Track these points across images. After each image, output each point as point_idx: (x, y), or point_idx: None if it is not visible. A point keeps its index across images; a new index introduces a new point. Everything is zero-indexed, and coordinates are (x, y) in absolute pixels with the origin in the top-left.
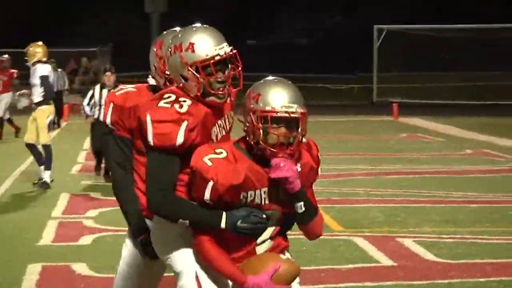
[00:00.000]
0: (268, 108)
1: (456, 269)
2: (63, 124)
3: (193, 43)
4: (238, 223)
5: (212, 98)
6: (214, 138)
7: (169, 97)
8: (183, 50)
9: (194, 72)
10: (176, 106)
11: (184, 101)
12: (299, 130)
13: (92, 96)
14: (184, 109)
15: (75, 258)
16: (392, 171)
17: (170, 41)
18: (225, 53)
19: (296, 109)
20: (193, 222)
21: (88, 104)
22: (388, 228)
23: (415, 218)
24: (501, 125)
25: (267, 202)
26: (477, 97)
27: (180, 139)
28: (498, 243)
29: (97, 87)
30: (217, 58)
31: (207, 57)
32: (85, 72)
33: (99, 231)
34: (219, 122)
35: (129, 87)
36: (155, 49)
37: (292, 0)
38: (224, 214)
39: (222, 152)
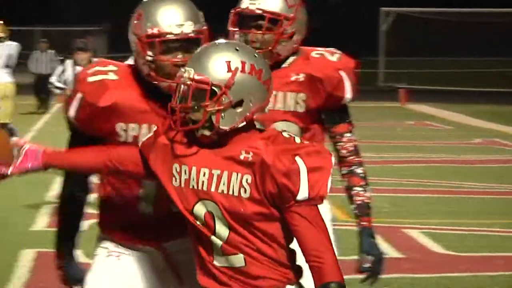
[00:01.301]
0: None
1: (465, 262)
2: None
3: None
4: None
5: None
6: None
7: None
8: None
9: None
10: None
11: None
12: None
13: (63, 72)
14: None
15: None
16: (398, 159)
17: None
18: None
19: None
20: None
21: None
22: (394, 218)
23: (422, 209)
24: None
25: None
26: (488, 84)
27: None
28: (509, 236)
29: (69, 62)
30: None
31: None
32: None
33: (94, 217)
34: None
35: (110, 68)
36: None
37: None
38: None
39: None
